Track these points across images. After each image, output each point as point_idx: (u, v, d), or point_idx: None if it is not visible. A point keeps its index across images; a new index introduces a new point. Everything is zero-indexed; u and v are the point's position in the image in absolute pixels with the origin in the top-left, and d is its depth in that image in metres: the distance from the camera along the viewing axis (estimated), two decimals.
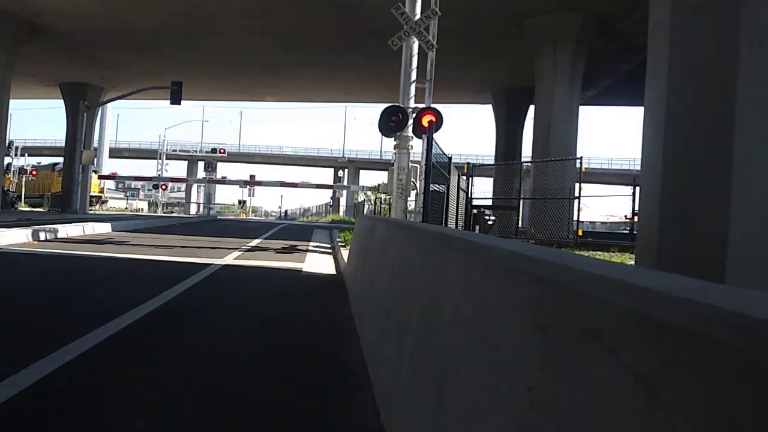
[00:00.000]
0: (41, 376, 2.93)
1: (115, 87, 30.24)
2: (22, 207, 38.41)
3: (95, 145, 39.07)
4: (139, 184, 68.43)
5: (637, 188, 12.93)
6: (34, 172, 45.56)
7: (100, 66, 27.09)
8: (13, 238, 10.23)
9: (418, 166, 10.38)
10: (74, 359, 3.25)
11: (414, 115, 10.20)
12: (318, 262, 9.77)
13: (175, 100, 22.98)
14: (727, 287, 0.98)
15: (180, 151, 62.34)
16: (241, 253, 10.61)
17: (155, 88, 24.95)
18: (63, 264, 8.03)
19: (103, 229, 14.75)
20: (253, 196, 57.55)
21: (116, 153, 57.24)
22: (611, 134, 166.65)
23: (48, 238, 11.48)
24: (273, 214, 75.53)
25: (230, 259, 9.42)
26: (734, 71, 4.44)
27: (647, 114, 5.40)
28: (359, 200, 43.78)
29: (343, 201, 59.40)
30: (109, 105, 44.70)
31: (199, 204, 58.93)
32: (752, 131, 4.40)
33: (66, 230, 12.56)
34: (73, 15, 20.59)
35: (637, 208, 13.18)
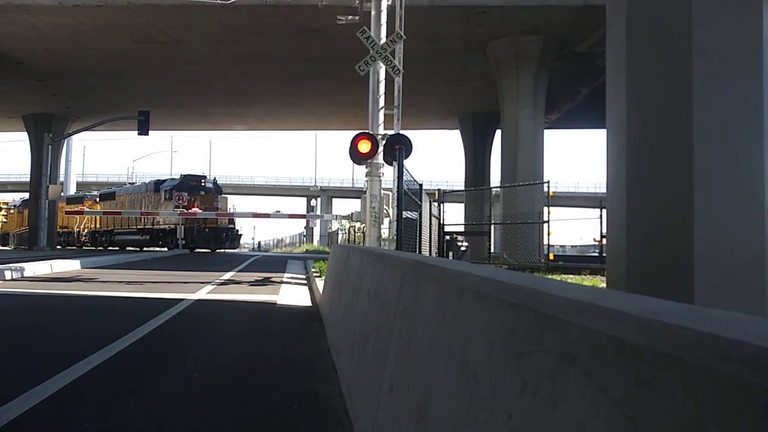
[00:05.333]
0: (5, 423, 2.81)
1: (81, 118, 29.78)
2: None
3: (61, 179, 37.49)
4: None
5: (604, 210, 13.21)
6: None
7: (64, 96, 26.70)
8: None
9: (390, 193, 10.43)
10: (38, 404, 3.14)
11: (384, 141, 10.28)
12: (293, 294, 9.66)
13: (143, 131, 22.64)
14: (696, 308, 1.00)
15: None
16: (214, 287, 10.43)
17: (122, 118, 24.63)
18: (28, 304, 7.79)
19: (72, 266, 14.40)
20: None
21: (84, 187, 55.98)
22: (577, 158, 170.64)
23: (14, 277, 11.15)
24: (246, 245, 74.61)
25: (203, 293, 9.25)
26: (689, 94, 4.60)
27: (609, 136, 5.54)
28: (333, 229, 43.64)
29: (316, 230, 59.11)
30: (75, 137, 42.47)
31: None
32: (709, 152, 4.55)
33: (33, 269, 12.25)
34: (35, 42, 20.31)
35: (605, 230, 13.43)
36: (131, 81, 24.51)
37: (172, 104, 28.15)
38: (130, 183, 38.06)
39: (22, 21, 18.65)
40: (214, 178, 32.30)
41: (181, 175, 31.41)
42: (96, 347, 4.59)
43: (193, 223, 28.09)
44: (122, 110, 25.74)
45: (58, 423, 2.90)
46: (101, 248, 33.22)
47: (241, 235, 33.10)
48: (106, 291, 9.34)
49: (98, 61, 22.05)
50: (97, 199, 37.28)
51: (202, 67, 22.54)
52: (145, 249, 30.20)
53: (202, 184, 30.48)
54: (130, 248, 31.21)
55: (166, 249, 29.48)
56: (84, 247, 34.61)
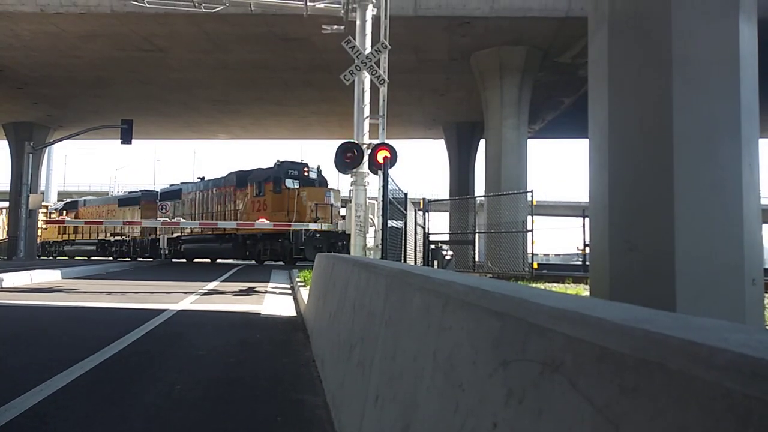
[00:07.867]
0: None
1: (63, 126, 29.47)
2: None
3: (42, 188, 36.72)
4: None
5: (587, 219, 13.38)
6: None
7: (46, 104, 26.41)
8: None
9: (375, 202, 10.44)
10: (17, 417, 3.08)
11: (369, 151, 10.30)
12: (277, 304, 9.59)
13: (126, 140, 22.36)
14: (678, 315, 1.01)
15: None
16: (197, 297, 10.33)
17: (105, 126, 24.33)
18: (4, 315, 7.65)
19: (53, 276, 14.19)
20: None
21: (65, 196, 55.28)
22: (560, 167, 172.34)
23: None
24: None
25: (186, 303, 9.16)
26: (670, 104, 4.68)
27: (592, 146, 5.61)
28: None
29: None
30: (56, 146, 41.56)
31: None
32: (689, 160, 4.63)
33: (12, 279, 12.04)
34: (16, 50, 20.08)
35: (588, 239, 13.56)
36: (114, 89, 24.32)
37: (155, 113, 27.96)
38: (199, 178, 30.22)
39: (3, 28, 18.45)
40: (318, 167, 24.51)
41: (278, 161, 23.90)
42: (76, 359, 4.51)
43: (300, 228, 20.56)
44: (105, 119, 25.50)
45: None
46: (161, 258, 28.77)
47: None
48: (87, 302, 9.20)
49: (81, 69, 21.86)
50: (158, 200, 31.10)
51: (186, 75, 22.44)
52: (218, 261, 24.64)
53: (305, 173, 23.59)
54: (199, 260, 25.75)
55: (254, 262, 23.66)
56: (139, 258, 30.50)
